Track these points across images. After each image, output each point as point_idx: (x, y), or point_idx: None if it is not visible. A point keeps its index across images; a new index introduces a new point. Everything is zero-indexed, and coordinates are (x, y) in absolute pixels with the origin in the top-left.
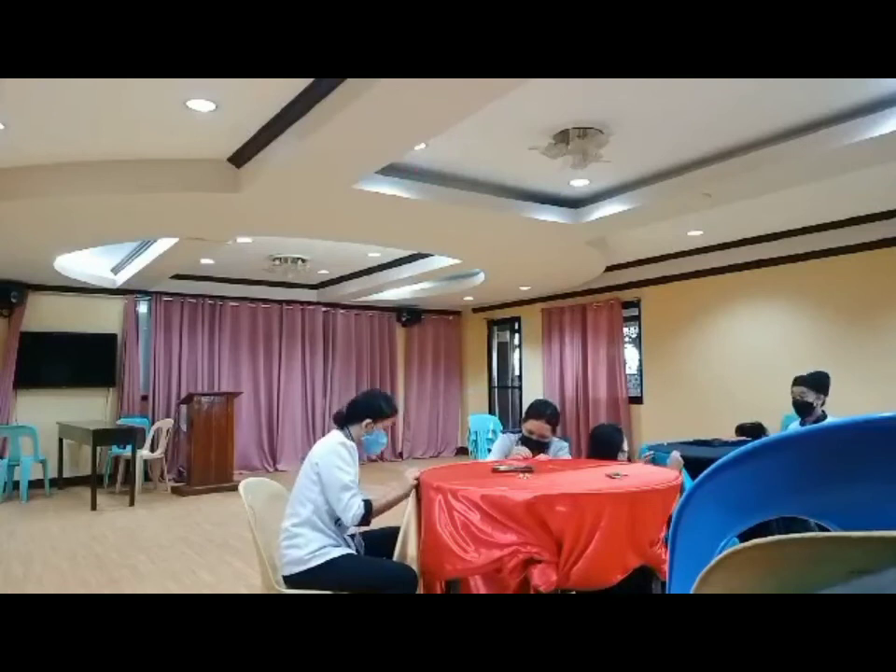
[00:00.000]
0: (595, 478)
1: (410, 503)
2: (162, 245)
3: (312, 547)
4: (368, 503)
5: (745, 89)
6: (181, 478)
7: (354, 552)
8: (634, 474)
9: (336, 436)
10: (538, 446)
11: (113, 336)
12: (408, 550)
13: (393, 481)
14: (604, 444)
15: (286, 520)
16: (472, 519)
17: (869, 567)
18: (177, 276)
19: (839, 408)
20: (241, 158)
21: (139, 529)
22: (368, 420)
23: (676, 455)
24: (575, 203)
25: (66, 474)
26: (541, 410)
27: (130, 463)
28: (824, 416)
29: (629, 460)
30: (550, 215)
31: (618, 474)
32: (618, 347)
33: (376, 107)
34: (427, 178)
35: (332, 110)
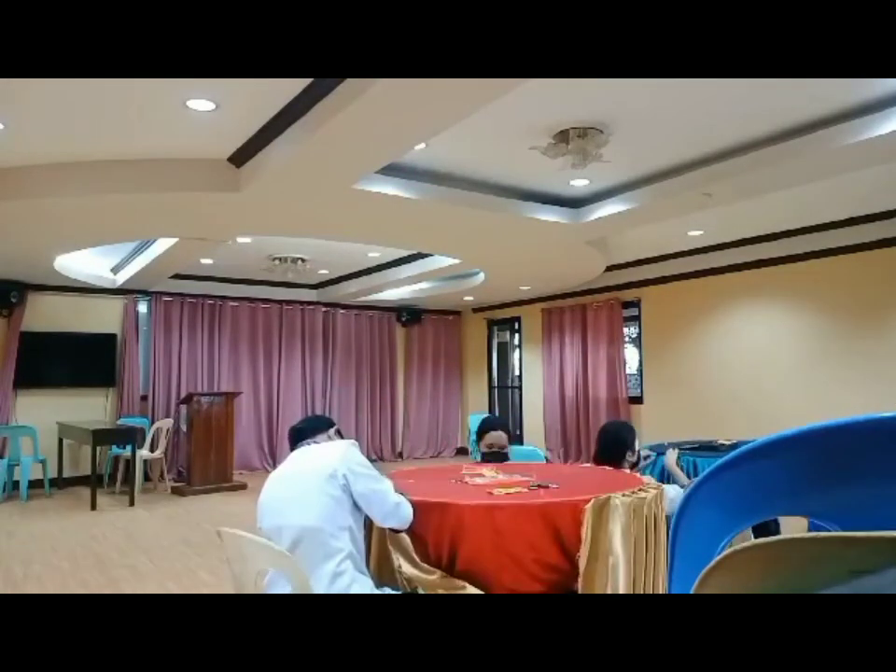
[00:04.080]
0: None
1: None
2: (162, 244)
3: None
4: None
5: (745, 89)
6: (181, 478)
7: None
8: (572, 485)
9: (330, 442)
10: (502, 459)
11: (113, 336)
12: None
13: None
14: (611, 443)
15: (324, 561)
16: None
17: (869, 567)
18: (177, 276)
19: (839, 408)
20: (241, 158)
21: (139, 529)
22: (334, 428)
23: (668, 456)
24: (575, 202)
25: (66, 474)
26: (493, 422)
27: (130, 463)
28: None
29: (636, 464)
30: (550, 215)
31: (536, 485)
32: (618, 347)
33: (376, 107)
34: (427, 178)
35: (332, 110)
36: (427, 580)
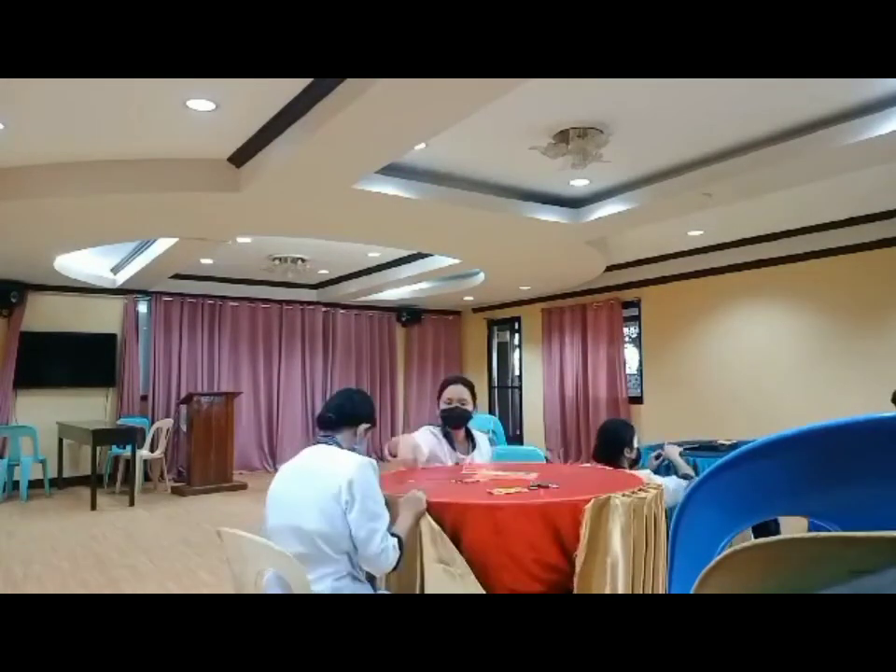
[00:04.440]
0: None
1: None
2: (162, 244)
3: None
4: (399, 540)
5: (745, 89)
6: (181, 478)
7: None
8: (571, 485)
9: (342, 451)
10: (461, 419)
11: (113, 336)
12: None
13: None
14: (609, 441)
15: (320, 578)
16: None
17: (869, 567)
18: (177, 276)
19: (839, 408)
20: (241, 158)
21: (139, 529)
22: (366, 425)
23: (669, 448)
24: (575, 202)
25: (66, 474)
26: (456, 376)
27: (130, 463)
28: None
29: (636, 461)
30: (550, 215)
31: (536, 485)
32: (618, 347)
33: (376, 107)
34: (427, 178)
35: (332, 110)
36: (437, 567)
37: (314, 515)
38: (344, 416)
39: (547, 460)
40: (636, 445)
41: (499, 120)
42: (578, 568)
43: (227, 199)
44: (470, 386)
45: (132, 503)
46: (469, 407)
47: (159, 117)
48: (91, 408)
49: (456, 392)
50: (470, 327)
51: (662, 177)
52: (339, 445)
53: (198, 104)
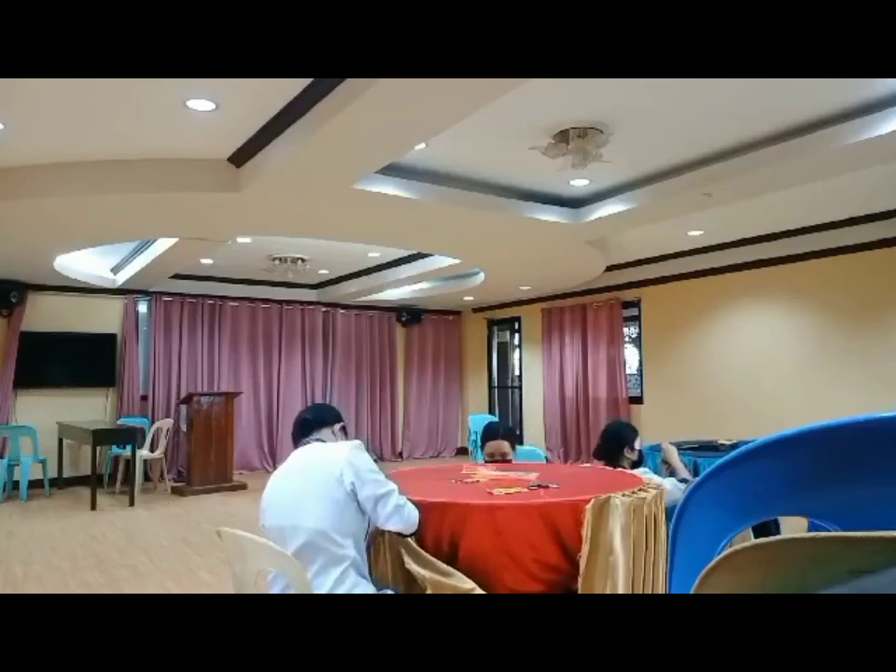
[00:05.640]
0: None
1: None
2: (162, 244)
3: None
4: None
5: (744, 88)
6: (181, 478)
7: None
8: (571, 485)
9: (335, 444)
10: None
11: (113, 336)
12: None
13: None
14: (610, 440)
15: (327, 567)
16: None
17: (869, 567)
18: (177, 276)
19: (839, 408)
20: (241, 158)
21: (139, 529)
22: (340, 423)
23: (666, 445)
24: (575, 203)
25: (66, 474)
26: (493, 428)
27: (130, 463)
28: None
29: (638, 463)
30: (550, 215)
31: (536, 485)
32: (618, 347)
33: (376, 107)
34: (427, 178)
35: (332, 110)
36: (435, 579)
37: (315, 511)
38: (321, 419)
39: (547, 460)
40: (636, 447)
41: (499, 120)
42: (581, 569)
43: (227, 199)
44: (510, 437)
45: (132, 503)
46: (510, 456)
47: (158, 117)
48: (91, 408)
49: (497, 447)
50: (470, 327)
51: (662, 177)
52: (322, 442)
53: (198, 104)
